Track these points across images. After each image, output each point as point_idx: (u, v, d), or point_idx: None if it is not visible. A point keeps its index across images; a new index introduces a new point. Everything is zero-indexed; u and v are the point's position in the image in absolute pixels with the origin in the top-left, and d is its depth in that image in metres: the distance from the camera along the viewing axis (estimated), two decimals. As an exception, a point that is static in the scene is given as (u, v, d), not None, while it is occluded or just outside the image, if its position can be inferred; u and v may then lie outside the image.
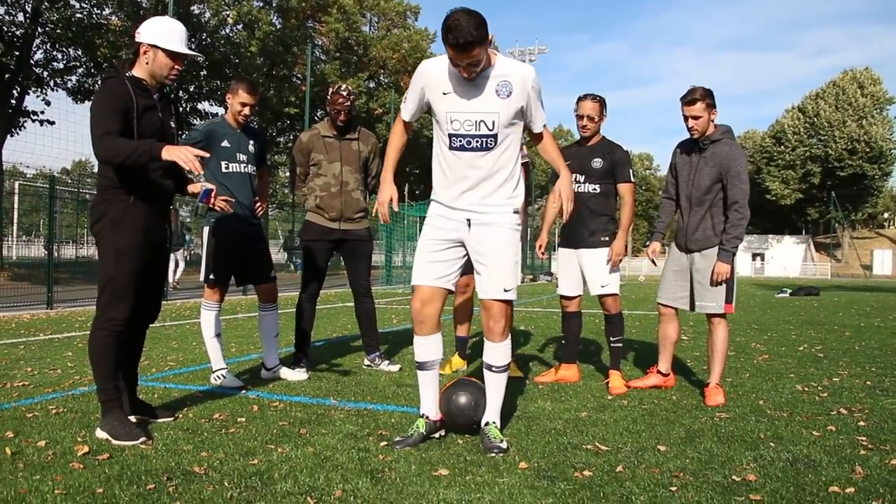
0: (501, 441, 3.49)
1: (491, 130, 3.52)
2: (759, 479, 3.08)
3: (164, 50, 3.65)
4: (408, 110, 3.76)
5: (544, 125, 3.78)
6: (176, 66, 3.72)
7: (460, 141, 3.55)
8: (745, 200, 4.70)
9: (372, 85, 45.79)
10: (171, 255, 22.94)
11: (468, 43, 3.26)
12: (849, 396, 4.92)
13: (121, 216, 3.59)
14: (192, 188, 4.04)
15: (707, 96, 4.70)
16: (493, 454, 3.39)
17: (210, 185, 3.98)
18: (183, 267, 18.37)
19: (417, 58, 46.86)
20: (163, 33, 3.66)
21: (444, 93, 3.52)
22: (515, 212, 3.68)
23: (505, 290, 3.59)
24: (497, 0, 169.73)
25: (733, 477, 3.11)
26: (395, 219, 25.01)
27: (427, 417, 3.69)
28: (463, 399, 3.78)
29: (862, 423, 4.11)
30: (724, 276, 4.71)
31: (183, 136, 5.01)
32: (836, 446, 3.62)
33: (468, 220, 3.63)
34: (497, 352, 3.65)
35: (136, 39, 3.68)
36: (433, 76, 3.56)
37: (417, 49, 47.22)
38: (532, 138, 3.85)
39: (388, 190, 3.73)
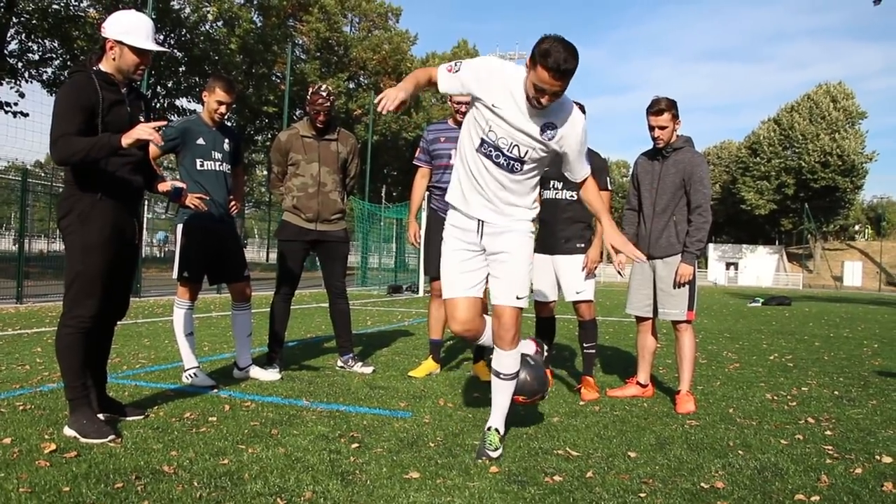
0: (495, 450, 3.46)
1: (521, 157, 3.48)
2: (727, 487, 3.11)
3: (129, 46, 3.59)
4: (449, 86, 3.58)
5: (589, 175, 3.73)
6: (143, 62, 3.67)
7: (489, 149, 3.50)
8: (708, 205, 4.81)
9: (352, 86, 45.75)
10: None
11: (569, 71, 3.20)
12: (817, 406, 4.98)
13: (88, 211, 3.54)
14: (162, 187, 4.00)
15: (672, 107, 4.79)
16: (481, 459, 3.39)
17: (180, 184, 3.94)
18: None
19: (398, 59, 46.95)
20: (128, 29, 3.59)
21: (494, 105, 3.42)
22: (532, 220, 3.68)
23: (518, 298, 3.57)
24: (478, 4, 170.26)
25: (702, 484, 3.13)
26: (372, 221, 24.98)
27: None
28: (522, 375, 3.76)
29: (829, 433, 4.17)
30: (687, 278, 4.80)
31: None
32: (803, 455, 3.66)
33: (480, 220, 3.60)
34: (507, 359, 3.63)
35: (102, 34, 3.62)
36: (497, 79, 3.43)
37: (398, 51, 47.30)
38: (575, 185, 3.81)
39: (400, 91, 3.39)
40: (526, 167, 3.52)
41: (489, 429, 3.59)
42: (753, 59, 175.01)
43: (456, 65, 3.56)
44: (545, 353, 4.11)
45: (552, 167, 4.38)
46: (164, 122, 3.79)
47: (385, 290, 20.22)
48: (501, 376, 3.65)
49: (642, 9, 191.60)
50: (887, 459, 3.60)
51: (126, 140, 3.40)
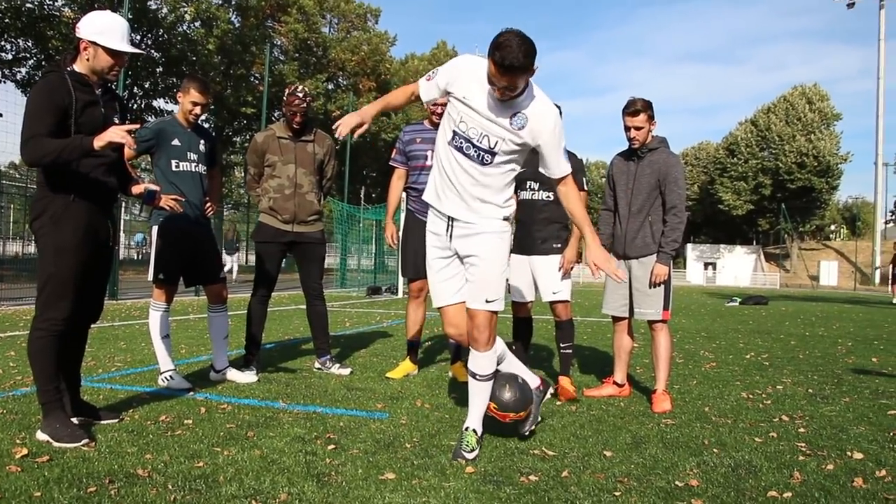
0: (472, 451, 3.47)
1: (491, 147, 3.48)
2: (701, 485, 3.13)
3: (103, 47, 3.56)
4: (428, 93, 3.67)
5: (570, 174, 3.68)
6: (117, 63, 3.64)
7: (461, 142, 3.52)
8: (682, 205, 4.85)
9: (330, 87, 45.65)
10: (227, 259, 22.83)
11: (513, 67, 3.20)
12: (791, 404, 5.03)
13: (61, 213, 3.50)
14: (135, 189, 3.97)
15: (648, 108, 4.83)
16: (457, 460, 3.40)
17: (154, 187, 3.92)
18: (236, 269, 18.43)
19: (377, 60, 46.90)
20: (103, 30, 3.56)
21: (465, 97, 3.47)
22: (505, 219, 3.65)
23: (487, 301, 3.57)
24: (458, 5, 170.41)
25: (676, 482, 3.16)
26: (351, 222, 24.92)
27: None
28: (507, 394, 3.76)
29: (802, 430, 4.21)
30: (663, 278, 4.84)
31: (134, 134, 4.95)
32: (777, 452, 3.70)
33: (450, 218, 3.62)
34: (482, 361, 3.64)
35: (77, 34, 3.60)
36: (468, 73, 3.50)
37: (377, 52, 47.24)
38: (553, 182, 3.76)
39: (357, 117, 3.60)
40: (497, 160, 3.52)
41: (466, 429, 3.59)
42: (731, 61, 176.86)
43: (433, 72, 3.63)
44: (547, 395, 4.09)
45: (529, 167, 4.41)
46: (138, 125, 3.77)
47: (364, 292, 20.18)
48: (478, 377, 3.66)
49: (622, 10, 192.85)
50: (858, 455, 3.64)
51: (98, 142, 3.38)
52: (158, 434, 3.68)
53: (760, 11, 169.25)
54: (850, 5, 64.21)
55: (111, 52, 3.59)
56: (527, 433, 3.81)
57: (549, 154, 3.57)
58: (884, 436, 4.11)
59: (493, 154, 3.50)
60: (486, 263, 3.57)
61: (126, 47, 3.64)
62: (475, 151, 3.50)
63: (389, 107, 3.84)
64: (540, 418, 3.99)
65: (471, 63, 3.54)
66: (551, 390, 4.19)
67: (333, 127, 3.60)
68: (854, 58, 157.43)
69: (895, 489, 3.13)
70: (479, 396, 3.68)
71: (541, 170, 3.70)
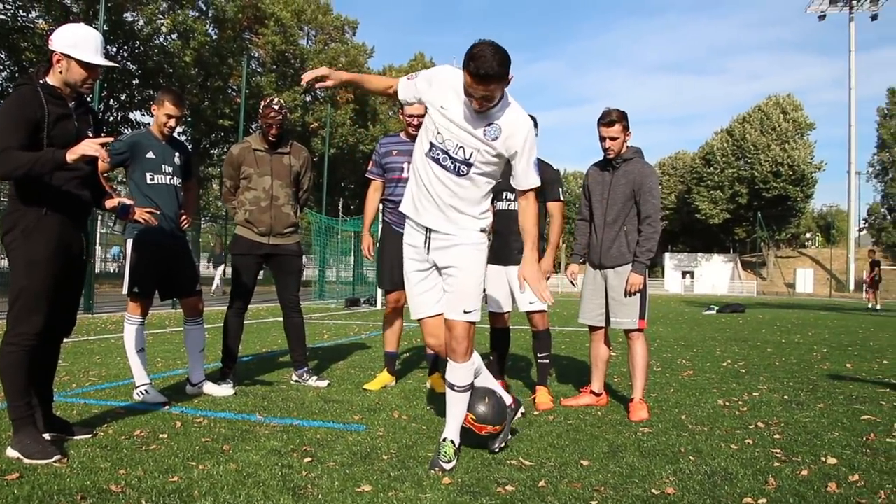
0: (449, 461, 3.47)
1: (467, 159, 3.51)
2: (677, 493, 3.15)
3: (77, 60, 3.54)
4: (405, 92, 3.74)
5: (534, 189, 3.67)
6: (91, 77, 3.62)
7: (438, 153, 3.55)
8: (657, 215, 4.89)
9: (308, 99, 45.55)
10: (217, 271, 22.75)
11: (488, 76, 3.24)
12: (767, 410, 5.07)
13: (33, 226, 3.47)
14: (109, 203, 3.94)
15: (623, 118, 4.86)
16: (434, 470, 3.40)
17: (128, 201, 3.89)
18: (219, 283, 18.48)
19: (354, 72, 46.83)
20: (77, 42, 3.54)
21: (442, 107, 3.51)
22: (482, 230, 3.67)
23: (465, 312, 3.58)
24: (435, 17, 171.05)
25: (653, 490, 3.17)
26: (329, 234, 24.86)
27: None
28: (484, 407, 3.76)
29: (777, 437, 4.24)
30: (638, 288, 4.86)
31: (108, 146, 4.91)
32: (752, 459, 3.72)
33: (428, 230, 3.64)
34: (460, 372, 3.64)
35: (50, 47, 3.57)
36: (445, 84, 3.54)
37: (354, 64, 47.27)
38: (517, 194, 3.76)
39: (327, 71, 3.74)
40: (474, 171, 3.54)
41: (444, 440, 3.59)
42: (707, 72, 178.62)
43: (415, 74, 3.69)
44: (518, 415, 4.10)
45: (504, 178, 4.42)
46: (111, 139, 3.74)
47: (343, 304, 20.12)
48: (455, 388, 3.66)
49: (600, 21, 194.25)
50: (832, 461, 3.67)
51: (71, 155, 3.35)
52: (133, 449, 3.64)
53: (735, 23, 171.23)
54: (822, 17, 65.26)
55: (85, 66, 3.57)
56: (497, 450, 3.79)
57: (519, 164, 3.59)
58: (857, 441, 4.15)
59: (470, 165, 3.52)
60: (464, 275, 3.59)
61: (100, 60, 3.62)
62: (451, 163, 3.53)
63: (364, 85, 3.91)
64: (510, 435, 3.97)
65: (450, 73, 3.59)
66: (522, 409, 4.20)
67: (302, 77, 3.70)
68: (826, 68, 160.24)
69: (868, 493, 3.16)
70: (457, 407, 3.68)
71: (511, 182, 3.71)
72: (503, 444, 3.84)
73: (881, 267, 28.02)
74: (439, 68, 3.65)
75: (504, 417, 3.82)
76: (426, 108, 3.66)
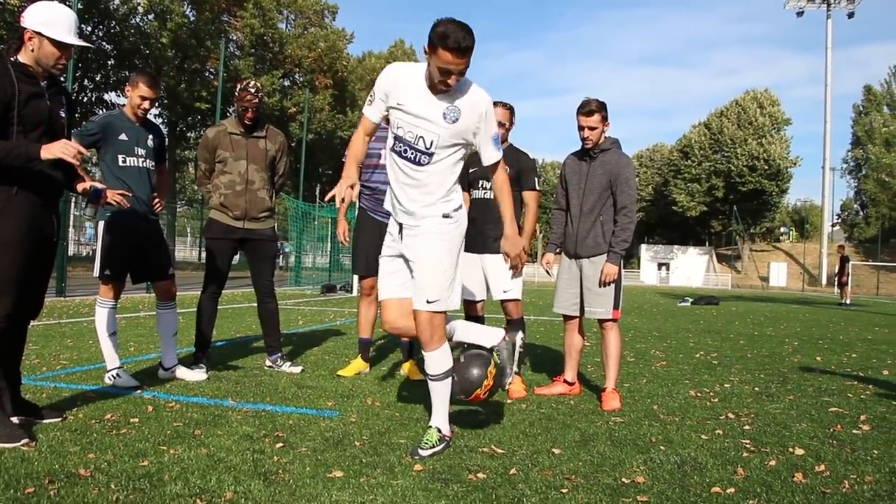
0: (429, 448, 3.48)
1: (427, 149, 3.56)
2: (647, 482, 3.17)
3: (49, 39, 3.48)
4: (373, 110, 3.73)
5: (499, 162, 3.75)
6: (64, 56, 3.56)
7: (401, 146, 3.61)
8: (633, 206, 4.91)
9: (286, 83, 45.24)
10: None
11: (468, 48, 3.33)
12: (737, 402, 5.12)
13: (3, 207, 3.40)
14: (80, 186, 3.88)
15: (602, 108, 4.88)
16: (414, 457, 3.42)
17: (100, 185, 3.84)
18: None
19: (333, 57, 46.62)
20: (49, 20, 3.48)
21: (398, 104, 3.56)
22: (445, 216, 3.65)
23: (428, 302, 3.57)
24: (415, 3, 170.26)
25: (623, 479, 3.19)
26: (306, 220, 24.76)
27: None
28: (459, 381, 3.77)
29: (747, 427, 4.29)
30: (613, 278, 4.88)
31: (79, 128, 4.85)
32: (722, 449, 3.77)
33: (399, 224, 3.71)
34: (431, 360, 3.64)
35: (21, 24, 3.50)
36: (395, 78, 3.59)
37: (334, 49, 46.94)
38: (486, 170, 3.82)
39: (345, 182, 3.60)
40: (435, 159, 3.58)
41: (429, 427, 3.64)
42: (686, 65, 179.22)
43: (371, 95, 3.71)
44: (518, 339, 3.99)
45: (480, 166, 4.42)
46: (88, 153, 3.70)
47: (319, 290, 20.06)
48: (430, 377, 3.68)
49: (579, 11, 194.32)
50: (799, 451, 3.73)
51: (45, 153, 3.31)
52: (103, 433, 3.61)
53: (715, 17, 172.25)
54: (800, 14, 65.80)
55: (57, 44, 3.51)
56: (509, 383, 3.86)
57: (481, 142, 3.64)
58: (824, 432, 4.22)
59: (431, 154, 3.57)
60: (424, 264, 3.60)
61: (73, 40, 3.56)
62: (413, 153, 3.58)
63: (359, 151, 3.85)
64: (516, 368, 3.95)
65: (399, 70, 3.63)
66: (521, 336, 4.02)
67: (328, 198, 3.65)
68: (803, 65, 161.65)
69: (832, 483, 3.21)
70: (438, 395, 3.69)
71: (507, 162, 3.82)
72: (510, 379, 3.90)
73: (850, 263, 28.38)
74: (386, 72, 3.65)
75: (484, 367, 3.79)
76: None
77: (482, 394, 3.79)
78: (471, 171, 5.23)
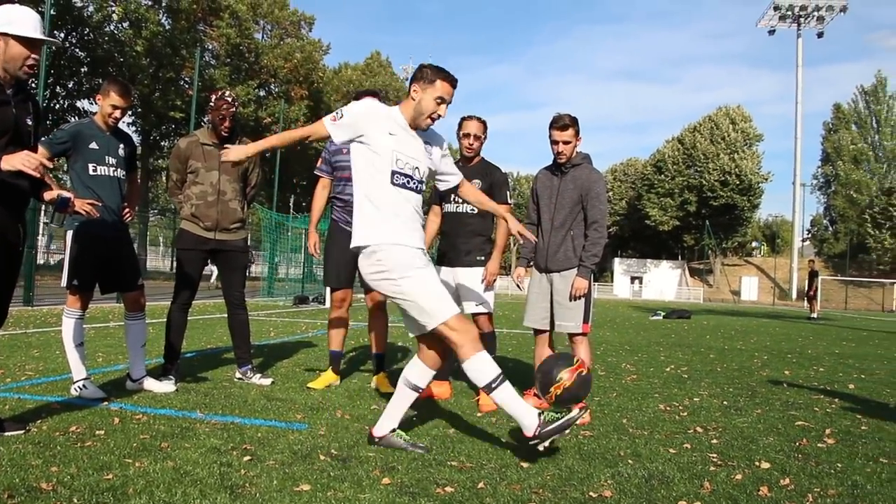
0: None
1: (421, 178, 3.93)
2: (614, 495, 3.18)
3: (16, 37, 3.42)
4: (339, 131, 3.83)
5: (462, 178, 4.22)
6: (32, 56, 3.50)
7: (402, 179, 3.81)
8: (604, 221, 4.96)
9: (262, 93, 45.09)
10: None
11: (457, 82, 3.83)
12: (706, 416, 5.16)
13: None
14: (48, 195, 3.83)
15: (575, 123, 4.92)
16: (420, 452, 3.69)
17: (67, 194, 3.79)
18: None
19: (309, 68, 46.55)
20: (13, 20, 3.43)
21: (390, 133, 3.78)
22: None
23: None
24: (392, 16, 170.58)
25: (590, 493, 3.20)
26: (280, 231, 24.63)
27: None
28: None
29: (715, 441, 4.32)
30: (583, 292, 4.91)
31: (49, 136, 4.80)
32: (690, 463, 3.79)
33: (420, 249, 3.88)
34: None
35: None
36: (376, 116, 3.80)
37: (310, 60, 46.90)
38: (454, 190, 4.25)
39: (242, 150, 3.95)
40: (422, 188, 3.96)
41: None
42: (661, 81, 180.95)
43: (338, 113, 3.84)
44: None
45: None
46: (51, 165, 3.65)
47: (291, 301, 19.96)
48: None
49: (558, 26, 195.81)
50: (766, 465, 3.76)
51: (5, 165, 3.26)
52: (67, 445, 3.56)
53: (690, 34, 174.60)
54: (771, 32, 66.91)
55: (24, 42, 3.45)
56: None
57: (446, 168, 4.12)
58: (790, 445, 4.26)
59: (422, 182, 3.94)
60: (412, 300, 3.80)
61: (40, 35, 3.51)
62: (413, 183, 3.88)
63: (278, 145, 4.25)
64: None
65: (378, 105, 3.88)
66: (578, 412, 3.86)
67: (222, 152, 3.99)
68: (775, 82, 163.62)
69: (797, 497, 3.24)
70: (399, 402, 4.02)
71: (441, 187, 4.20)
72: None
73: (819, 277, 28.77)
74: (364, 103, 3.87)
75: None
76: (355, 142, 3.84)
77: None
78: None
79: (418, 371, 3.98)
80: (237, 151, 3.92)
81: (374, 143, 3.75)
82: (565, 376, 4.17)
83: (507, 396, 3.77)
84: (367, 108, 3.81)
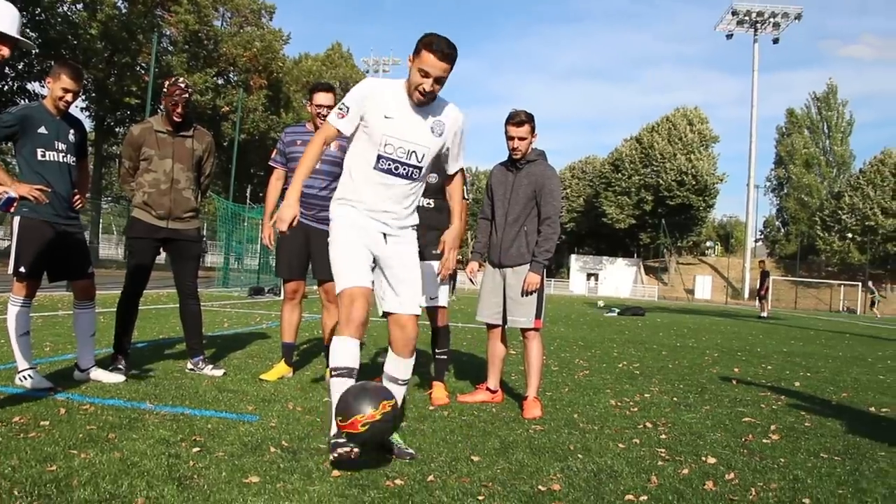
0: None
1: (419, 163, 3.70)
2: (563, 489, 3.22)
3: None
4: (348, 124, 3.66)
5: (460, 168, 4.07)
6: (2, 51, 3.42)
7: (388, 164, 3.66)
8: (557, 217, 5.00)
9: (220, 82, 44.50)
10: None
11: (452, 55, 3.51)
12: (656, 411, 5.24)
13: None
14: None
15: (531, 119, 4.95)
16: (406, 459, 3.52)
17: (13, 194, 3.71)
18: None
19: (269, 58, 46.09)
20: None
21: (386, 116, 3.61)
22: (413, 227, 3.93)
23: (420, 306, 3.84)
24: (353, 6, 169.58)
25: (539, 487, 3.23)
26: (236, 221, 24.37)
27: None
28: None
29: (663, 436, 4.39)
30: (535, 287, 4.95)
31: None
32: (638, 458, 3.84)
33: (384, 234, 3.76)
34: (408, 365, 3.92)
35: None
36: (379, 96, 3.64)
37: (270, 49, 46.43)
38: (445, 179, 4.14)
39: (292, 210, 3.59)
40: (422, 173, 3.78)
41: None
42: (620, 80, 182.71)
43: (342, 107, 3.69)
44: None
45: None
46: None
47: (247, 292, 19.76)
48: (400, 382, 3.94)
49: (518, 24, 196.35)
50: (712, 460, 3.83)
51: None
52: (10, 436, 3.48)
53: (649, 35, 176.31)
54: (729, 36, 68.01)
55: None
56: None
57: (454, 149, 3.93)
58: (736, 441, 4.35)
59: (421, 168, 3.73)
60: (413, 273, 3.88)
61: (15, 34, 3.42)
62: (405, 169, 3.70)
63: (312, 160, 3.75)
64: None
65: (380, 86, 3.71)
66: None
67: (271, 223, 3.79)
68: (731, 86, 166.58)
69: (740, 491, 3.31)
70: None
71: (444, 165, 4.03)
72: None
73: (770, 277, 29.36)
74: (364, 84, 3.73)
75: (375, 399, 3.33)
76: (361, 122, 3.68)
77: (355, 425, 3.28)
78: None
79: (389, 360, 3.96)
80: (285, 212, 3.56)
81: (370, 124, 3.63)
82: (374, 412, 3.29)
83: (337, 390, 3.48)
84: (365, 91, 3.66)
